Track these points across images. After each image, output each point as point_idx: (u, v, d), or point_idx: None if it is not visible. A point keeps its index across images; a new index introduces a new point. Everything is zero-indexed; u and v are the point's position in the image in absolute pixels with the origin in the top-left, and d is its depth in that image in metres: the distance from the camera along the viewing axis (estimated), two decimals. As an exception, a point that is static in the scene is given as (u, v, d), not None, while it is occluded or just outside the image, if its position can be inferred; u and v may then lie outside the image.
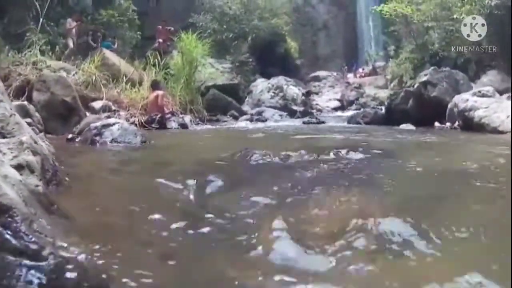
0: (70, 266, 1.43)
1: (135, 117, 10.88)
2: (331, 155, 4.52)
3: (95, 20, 17.16)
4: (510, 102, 9.18)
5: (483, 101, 9.65)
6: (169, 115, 11.56)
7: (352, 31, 35.76)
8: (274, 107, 18.08)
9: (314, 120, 14.53)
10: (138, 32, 19.13)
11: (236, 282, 1.69)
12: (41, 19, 13.48)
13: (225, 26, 22.86)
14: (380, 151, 5.23)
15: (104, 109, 10.61)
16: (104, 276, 1.60)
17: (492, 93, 10.21)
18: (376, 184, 3.40)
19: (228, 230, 2.30)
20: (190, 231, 2.26)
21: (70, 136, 6.80)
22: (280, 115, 16.57)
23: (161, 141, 7.31)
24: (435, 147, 6.58)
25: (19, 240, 1.39)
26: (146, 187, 3.30)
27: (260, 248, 1.96)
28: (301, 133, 9.28)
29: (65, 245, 1.50)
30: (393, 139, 7.60)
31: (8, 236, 1.41)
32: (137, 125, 9.67)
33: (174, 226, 2.31)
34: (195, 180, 3.26)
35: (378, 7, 21.29)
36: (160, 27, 18.95)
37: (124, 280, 1.63)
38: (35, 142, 2.56)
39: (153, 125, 10.43)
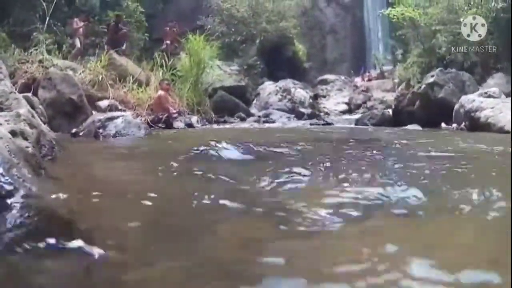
0: (41, 209, 1.44)
1: (141, 116, 10.91)
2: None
3: (102, 21, 17.14)
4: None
5: (489, 101, 9.69)
6: (175, 115, 11.56)
7: (360, 35, 35.68)
8: (282, 110, 17.95)
9: (321, 122, 14.52)
10: (146, 34, 19.13)
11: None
12: (47, 19, 13.49)
13: (233, 29, 22.81)
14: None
15: (111, 108, 10.62)
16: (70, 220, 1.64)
17: (498, 94, 10.26)
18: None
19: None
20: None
21: (74, 130, 6.82)
22: (288, 117, 16.47)
23: (165, 135, 7.40)
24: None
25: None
26: (139, 157, 3.41)
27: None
28: (307, 130, 9.35)
29: (39, 192, 1.47)
30: (395, 136, 7.70)
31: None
32: (144, 124, 9.71)
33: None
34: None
35: (386, 10, 21.16)
36: (168, 28, 18.99)
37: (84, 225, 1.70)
38: (33, 116, 2.53)
39: (159, 125, 10.48)
